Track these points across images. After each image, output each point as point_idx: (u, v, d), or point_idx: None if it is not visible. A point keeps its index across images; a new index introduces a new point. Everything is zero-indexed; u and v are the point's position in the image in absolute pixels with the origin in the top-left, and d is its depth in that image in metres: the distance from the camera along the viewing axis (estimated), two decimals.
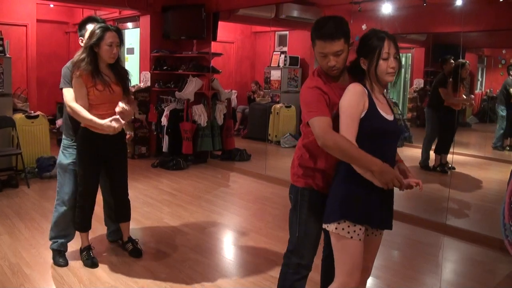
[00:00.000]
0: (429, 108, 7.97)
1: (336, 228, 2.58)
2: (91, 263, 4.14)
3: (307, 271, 2.96)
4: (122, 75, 4.06)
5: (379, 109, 2.57)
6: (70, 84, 3.94)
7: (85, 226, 4.21)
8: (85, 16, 4.30)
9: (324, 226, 2.68)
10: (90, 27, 4.00)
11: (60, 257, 4.21)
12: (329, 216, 2.63)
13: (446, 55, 7.89)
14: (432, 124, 7.85)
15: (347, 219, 2.56)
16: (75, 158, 4.11)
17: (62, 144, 4.22)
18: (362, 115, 2.52)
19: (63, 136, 4.25)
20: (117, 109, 3.94)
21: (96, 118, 3.85)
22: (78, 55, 3.88)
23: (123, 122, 3.96)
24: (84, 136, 3.98)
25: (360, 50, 2.59)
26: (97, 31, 3.82)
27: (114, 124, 3.88)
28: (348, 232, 2.56)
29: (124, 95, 4.08)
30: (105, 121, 3.86)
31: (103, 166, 4.21)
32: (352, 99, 2.51)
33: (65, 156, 4.16)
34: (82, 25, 4.16)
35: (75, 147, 4.11)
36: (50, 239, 4.27)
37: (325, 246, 3.12)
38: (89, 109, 3.89)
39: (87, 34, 3.94)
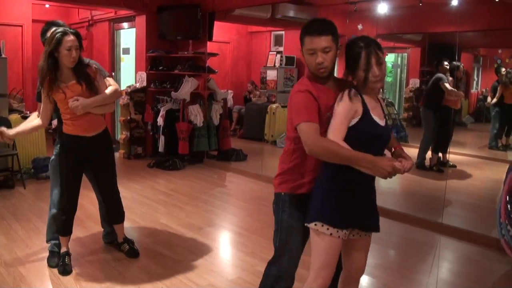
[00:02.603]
0: (425, 108, 7.95)
1: (315, 225, 2.58)
2: (63, 269, 4.01)
3: (286, 284, 2.88)
4: (81, 73, 3.91)
5: (372, 115, 2.56)
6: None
7: (65, 230, 4.14)
8: (46, 22, 4.26)
9: (306, 224, 2.66)
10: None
11: (53, 258, 4.20)
12: (310, 216, 2.62)
13: (440, 58, 7.89)
14: (430, 124, 7.82)
15: (326, 224, 2.56)
16: (70, 161, 4.09)
17: (55, 145, 4.25)
18: (356, 120, 2.52)
19: (58, 136, 4.25)
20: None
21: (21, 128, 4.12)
22: (39, 63, 3.86)
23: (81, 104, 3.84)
24: (63, 138, 4.00)
25: (346, 61, 2.60)
26: (56, 35, 3.74)
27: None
28: (328, 229, 2.55)
29: (90, 90, 3.91)
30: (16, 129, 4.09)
31: (89, 168, 4.21)
32: (345, 105, 2.50)
33: (60, 158, 4.15)
34: (44, 32, 4.17)
35: (70, 148, 4.09)
36: (47, 241, 4.28)
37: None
38: (62, 114, 3.97)
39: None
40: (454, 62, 7.70)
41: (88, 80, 3.91)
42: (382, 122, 2.60)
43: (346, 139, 2.50)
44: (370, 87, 2.55)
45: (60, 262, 4.08)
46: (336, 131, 2.49)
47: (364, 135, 2.53)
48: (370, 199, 2.68)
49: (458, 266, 4.67)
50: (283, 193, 2.80)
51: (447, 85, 7.62)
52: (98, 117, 4.05)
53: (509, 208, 4.28)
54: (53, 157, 4.23)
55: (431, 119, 7.81)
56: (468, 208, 6.43)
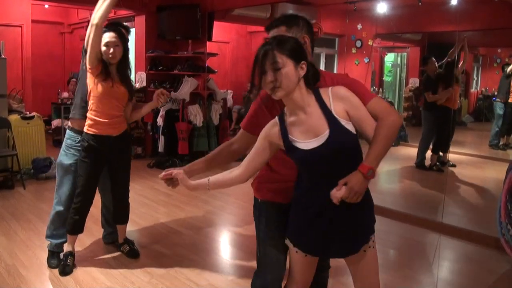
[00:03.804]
0: (423, 108, 7.96)
1: (286, 239, 2.44)
2: (62, 270, 4.00)
3: None
4: (126, 77, 4.06)
5: (293, 139, 2.23)
6: None
7: (76, 229, 4.14)
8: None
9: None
10: None
11: (52, 258, 4.19)
12: (287, 232, 2.44)
13: (426, 56, 7.88)
14: (429, 125, 7.81)
15: (295, 246, 2.39)
16: (77, 159, 4.08)
17: (65, 143, 4.17)
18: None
19: (68, 134, 4.17)
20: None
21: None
22: None
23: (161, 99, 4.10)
24: (89, 139, 3.96)
25: None
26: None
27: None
28: (294, 246, 2.40)
29: (129, 98, 4.10)
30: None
31: (107, 167, 4.21)
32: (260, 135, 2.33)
33: (67, 156, 4.12)
34: None
35: (78, 147, 4.08)
36: (46, 237, 4.25)
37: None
38: (93, 102, 3.92)
39: None
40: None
41: (130, 88, 4.09)
42: (314, 142, 2.18)
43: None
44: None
45: (62, 262, 4.09)
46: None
47: (296, 161, 2.30)
48: (345, 225, 2.30)
49: (458, 266, 4.67)
50: (259, 200, 2.66)
51: (428, 95, 7.63)
52: (124, 117, 4.13)
53: (509, 208, 4.28)
54: (62, 156, 4.15)
55: (429, 119, 7.81)
56: (468, 208, 6.43)
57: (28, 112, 7.62)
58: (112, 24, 4.10)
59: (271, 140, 2.28)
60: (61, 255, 4.19)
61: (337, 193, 2.10)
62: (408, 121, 10.22)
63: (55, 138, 10.06)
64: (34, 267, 4.15)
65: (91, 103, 3.95)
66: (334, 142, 2.16)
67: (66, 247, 4.17)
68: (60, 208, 4.17)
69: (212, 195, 6.67)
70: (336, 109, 2.17)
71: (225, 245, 5.04)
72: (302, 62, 2.17)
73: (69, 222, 4.10)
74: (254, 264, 4.29)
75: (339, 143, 2.17)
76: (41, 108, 9.57)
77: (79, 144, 4.07)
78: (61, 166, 4.15)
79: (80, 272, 4.06)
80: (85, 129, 3.98)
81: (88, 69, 3.87)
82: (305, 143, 2.18)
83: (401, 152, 8.55)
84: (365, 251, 2.42)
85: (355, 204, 2.18)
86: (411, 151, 8.22)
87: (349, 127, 2.17)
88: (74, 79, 10.71)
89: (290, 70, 2.14)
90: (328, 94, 2.21)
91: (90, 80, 3.92)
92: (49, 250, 4.24)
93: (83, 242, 4.64)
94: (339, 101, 2.18)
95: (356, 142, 2.21)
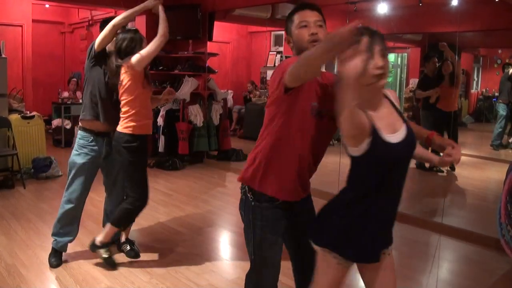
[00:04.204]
0: (423, 109, 7.96)
1: (323, 250, 2.26)
2: (134, 254, 4.39)
3: None
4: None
5: (381, 132, 2.19)
6: None
7: (127, 223, 4.37)
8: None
9: (313, 243, 2.31)
10: None
11: (54, 256, 4.19)
12: (320, 239, 2.29)
13: (430, 54, 7.84)
14: (427, 125, 7.79)
15: (339, 254, 2.23)
16: (90, 158, 4.10)
17: (77, 143, 4.15)
18: (364, 147, 2.13)
19: (80, 134, 4.17)
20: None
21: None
22: None
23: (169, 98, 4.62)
24: (137, 139, 4.02)
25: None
26: None
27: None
28: (335, 257, 2.24)
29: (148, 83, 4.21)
30: None
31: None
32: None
33: (80, 156, 4.10)
34: None
35: (92, 146, 4.10)
36: (52, 235, 4.23)
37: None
38: (139, 104, 4.00)
39: None
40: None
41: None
42: (397, 136, 2.14)
43: (358, 173, 2.18)
44: (372, 83, 2.06)
45: (128, 248, 4.43)
46: None
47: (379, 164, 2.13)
48: (391, 222, 2.37)
49: (458, 266, 4.67)
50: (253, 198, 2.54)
51: (417, 91, 7.64)
52: None
53: (509, 208, 4.28)
54: (75, 156, 4.12)
55: (427, 119, 7.81)
56: (468, 208, 6.43)
57: (28, 112, 7.63)
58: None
59: (365, 122, 2.02)
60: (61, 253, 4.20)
61: (459, 155, 2.21)
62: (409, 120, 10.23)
63: (55, 137, 10.07)
64: (34, 266, 4.15)
65: (135, 105, 3.96)
66: (411, 138, 2.17)
67: (122, 237, 4.49)
68: (70, 205, 4.15)
69: (212, 195, 6.68)
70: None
71: (225, 245, 5.03)
72: None
73: (123, 222, 4.24)
74: None
75: (413, 141, 2.20)
76: (41, 108, 9.57)
77: (92, 144, 4.10)
78: (74, 165, 4.12)
79: (79, 271, 4.07)
80: (130, 131, 3.97)
81: (134, 72, 3.90)
82: (391, 136, 2.11)
83: None
84: (389, 254, 2.46)
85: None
86: None
87: None
88: (74, 79, 10.73)
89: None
90: (387, 93, 2.18)
91: (135, 83, 3.93)
92: (52, 248, 4.23)
93: (83, 242, 4.64)
94: (397, 103, 2.18)
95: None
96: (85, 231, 4.99)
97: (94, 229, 4.96)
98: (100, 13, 10.76)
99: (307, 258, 2.53)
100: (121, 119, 3.99)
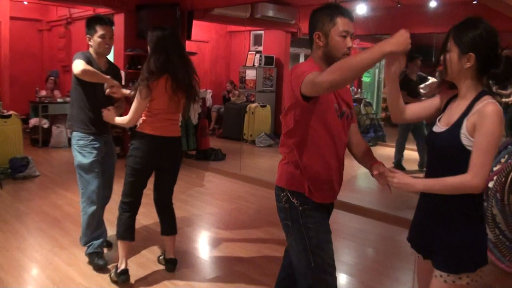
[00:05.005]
0: None
1: (467, 276, 2.16)
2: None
3: None
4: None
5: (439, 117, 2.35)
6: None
7: (127, 234, 3.97)
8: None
9: (446, 274, 2.18)
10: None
11: (98, 258, 4.12)
12: (458, 264, 2.17)
13: (414, 55, 7.87)
14: (403, 125, 7.80)
15: (484, 265, 2.18)
16: (95, 156, 4.09)
17: (77, 144, 4.09)
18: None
19: (77, 136, 4.11)
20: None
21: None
22: None
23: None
24: (145, 142, 3.80)
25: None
26: None
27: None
28: (476, 280, 2.19)
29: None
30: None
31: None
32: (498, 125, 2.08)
33: (84, 156, 4.07)
34: None
35: (94, 144, 4.09)
36: (84, 244, 4.19)
37: (283, 267, 2.87)
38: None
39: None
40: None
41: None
42: (437, 128, 2.28)
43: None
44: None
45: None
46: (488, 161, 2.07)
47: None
48: None
49: None
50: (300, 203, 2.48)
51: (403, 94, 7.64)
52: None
53: (485, 207, 4.36)
54: (79, 157, 4.08)
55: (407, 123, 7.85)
56: None
57: (5, 111, 7.56)
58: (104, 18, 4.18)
59: (440, 103, 2.35)
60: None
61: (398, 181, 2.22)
62: (386, 121, 10.33)
63: (32, 137, 9.98)
64: (12, 268, 4.11)
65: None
66: (441, 139, 2.22)
67: (120, 265, 3.93)
68: (93, 208, 4.11)
69: (191, 195, 6.68)
70: (470, 119, 2.12)
71: (203, 245, 5.04)
72: (469, 53, 2.13)
73: (121, 229, 3.98)
74: (232, 263, 4.33)
75: (442, 142, 2.21)
76: (18, 106, 9.47)
77: (94, 142, 4.10)
78: (82, 167, 4.08)
79: (56, 272, 4.04)
80: (139, 128, 3.88)
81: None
82: (436, 126, 2.28)
83: (379, 152, 8.63)
84: None
85: None
86: (389, 151, 8.33)
87: (465, 140, 2.12)
88: (52, 77, 10.65)
89: (453, 57, 2.16)
90: (478, 103, 2.13)
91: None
92: (90, 253, 4.15)
93: (60, 242, 4.62)
94: (477, 115, 2.10)
95: (457, 156, 2.15)
96: (63, 232, 4.97)
97: (72, 230, 4.94)
98: (78, 11, 10.68)
99: None
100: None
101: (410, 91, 7.59)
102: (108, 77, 3.98)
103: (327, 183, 2.48)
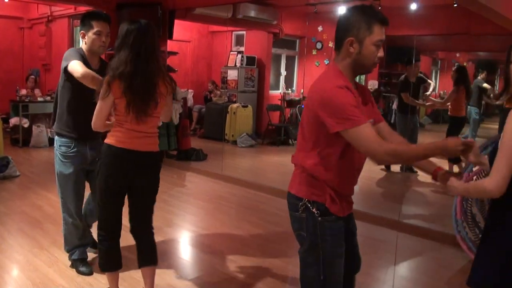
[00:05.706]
0: (400, 112, 7.97)
1: None
2: None
3: None
4: None
5: None
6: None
7: (110, 265, 3.52)
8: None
9: None
10: None
11: (82, 265, 4.03)
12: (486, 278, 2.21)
13: (416, 58, 7.85)
14: (402, 128, 7.79)
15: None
16: (78, 166, 3.87)
17: (59, 151, 3.87)
18: None
19: (59, 141, 3.87)
20: None
21: None
22: None
23: None
24: (112, 156, 3.23)
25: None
26: None
27: None
28: None
29: None
30: None
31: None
32: None
33: (66, 166, 3.86)
34: None
35: (76, 153, 3.85)
36: (67, 251, 4.10)
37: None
38: None
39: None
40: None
41: None
42: None
43: None
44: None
45: None
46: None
47: None
48: None
49: (415, 262, 4.74)
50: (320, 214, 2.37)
51: (406, 96, 7.66)
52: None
53: (465, 206, 4.39)
54: (60, 167, 3.87)
55: (404, 122, 7.82)
56: (425, 206, 6.55)
57: None
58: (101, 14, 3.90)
59: None
60: None
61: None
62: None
63: (13, 136, 9.84)
64: None
65: None
66: None
67: None
68: (71, 220, 3.97)
69: (171, 195, 6.64)
70: None
71: (184, 245, 5.01)
72: None
73: (101, 262, 3.49)
74: (213, 263, 4.31)
75: None
76: None
77: (75, 150, 3.85)
78: (61, 177, 3.91)
79: (36, 273, 3.98)
80: (107, 140, 3.38)
81: None
82: None
83: None
84: None
85: None
86: None
87: None
88: (32, 76, 10.53)
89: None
90: None
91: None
92: (74, 260, 4.06)
93: (40, 243, 4.56)
94: None
95: None
96: (43, 233, 4.90)
97: (52, 230, 4.88)
98: (59, 9, 10.58)
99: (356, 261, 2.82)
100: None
101: (410, 92, 7.64)
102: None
103: (347, 196, 2.46)
